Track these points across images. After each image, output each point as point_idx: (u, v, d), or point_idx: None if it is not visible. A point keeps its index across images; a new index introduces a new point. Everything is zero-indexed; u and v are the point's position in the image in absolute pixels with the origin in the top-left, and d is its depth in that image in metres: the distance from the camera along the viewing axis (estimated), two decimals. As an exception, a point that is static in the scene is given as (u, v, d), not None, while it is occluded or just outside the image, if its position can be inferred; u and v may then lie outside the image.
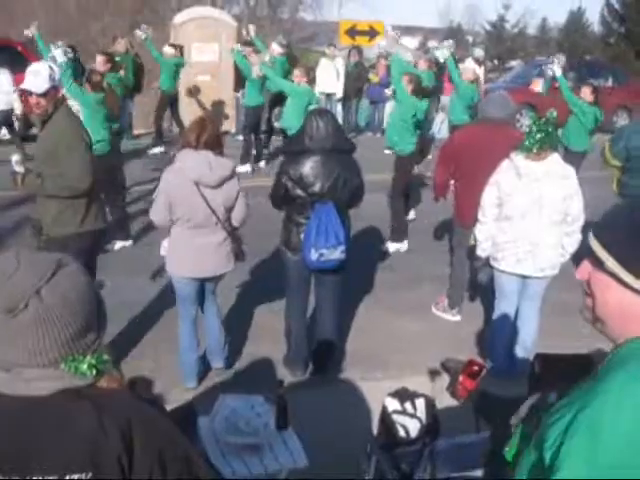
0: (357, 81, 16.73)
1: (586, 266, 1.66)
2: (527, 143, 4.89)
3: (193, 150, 4.76)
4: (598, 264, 1.61)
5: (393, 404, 3.91)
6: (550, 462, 1.49)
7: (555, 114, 4.94)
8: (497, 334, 5.42)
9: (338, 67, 16.21)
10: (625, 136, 6.20)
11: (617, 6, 36.09)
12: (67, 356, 1.60)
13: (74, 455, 1.56)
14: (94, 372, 1.62)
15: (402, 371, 5.45)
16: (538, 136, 4.83)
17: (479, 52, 17.62)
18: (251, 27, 13.78)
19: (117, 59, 12.94)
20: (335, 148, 5.02)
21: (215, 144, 4.82)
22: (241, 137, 14.80)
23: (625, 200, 1.45)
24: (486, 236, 5.28)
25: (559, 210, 4.97)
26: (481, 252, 5.37)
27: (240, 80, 14.78)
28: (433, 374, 4.49)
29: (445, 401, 3.49)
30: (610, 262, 1.58)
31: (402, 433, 3.75)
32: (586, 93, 8.93)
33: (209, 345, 5.35)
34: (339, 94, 16.26)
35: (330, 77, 16.13)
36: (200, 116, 5.11)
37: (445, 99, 16.55)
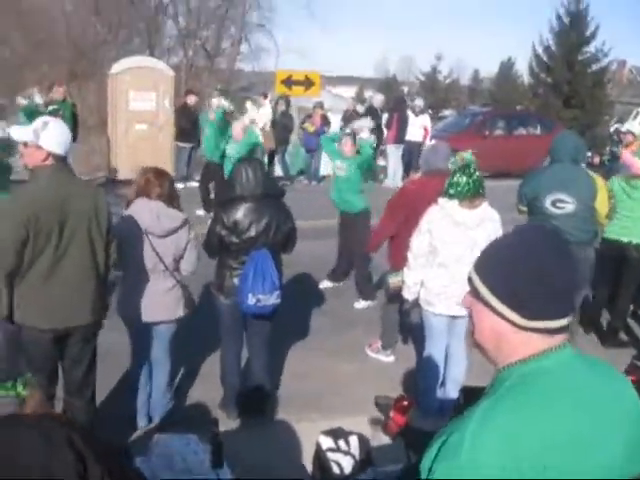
0: (283, 131, 16.95)
1: (468, 296, 1.81)
2: (455, 190, 5.05)
3: (147, 200, 4.92)
4: (476, 294, 1.76)
5: (327, 442, 3.99)
6: None
7: (470, 155, 5.15)
8: (429, 372, 5.56)
9: (263, 116, 16.34)
10: (524, 183, 6.48)
11: (544, 58, 37.40)
12: None
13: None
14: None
15: (338, 412, 5.51)
16: (466, 185, 5.00)
17: (419, 102, 18.16)
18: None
19: (55, 107, 13.00)
20: (266, 194, 5.18)
21: (170, 196, 4.99)
22: (181, 185, 14.96)
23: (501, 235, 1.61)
24: (415, 281, 5.43)
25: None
26: (410, 295, 5.52)
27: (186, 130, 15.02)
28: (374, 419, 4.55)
29: (383, 439, 3.57)
30: (483, 291, 1.74)
31: (336, 470, 3.83)
32: None
33: (153, 399, 5.33)
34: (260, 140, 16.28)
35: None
36: (160, 168, 5.19)
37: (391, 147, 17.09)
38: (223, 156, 11.61)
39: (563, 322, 1.71)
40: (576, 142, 6.45)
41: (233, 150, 10.62)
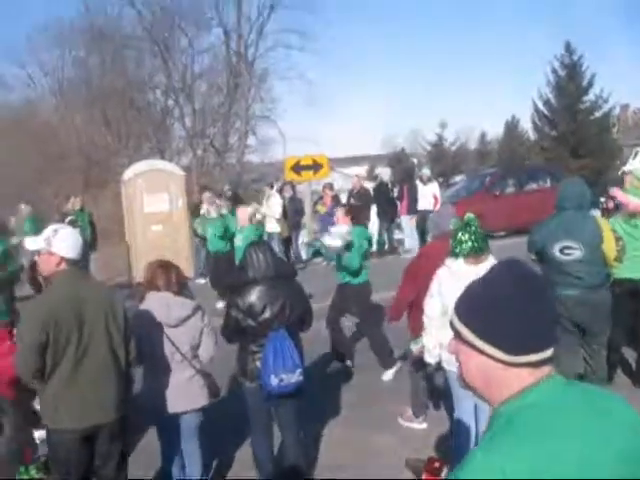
0: (295, 215, 17.20)
1: (452, 340, 1.86)
2: (460, 248, 5.14)
3: (156, 292, 5.08)
4: (459, 336, 1.81)
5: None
6: None
7: (473, 216, 5.24)
8: (460, 431, 5.52)
9: (273, 206, 16.60)
10: (532, 232, 6.57)
11: (546, 112, 37.88)
12: None
13: None
14: None
15: (377, 484, 5.49)
16: (468, 241, 5.09)
17: (426, 171, 18.42)
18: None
19: (72, 217, 13.36)
20: (278, 275, 5.28)
21: (179, 286, 5.15)
22: (202, 281, 15.10)
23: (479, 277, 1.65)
24: (434, 344, 5.47)
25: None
26: (432, 359, 5.56)
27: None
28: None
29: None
30: (465, 332, 1.78)
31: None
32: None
33: None
34: (277, 229, 16.45)
35: (268, 217, 16.57)
36: (164, 260, 5.37)
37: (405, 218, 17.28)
38: (232, 246, 11.79)
39: (547, 353, 1.74)
40: (580, 188, 6.51)
41: (240, 242, 10.70)
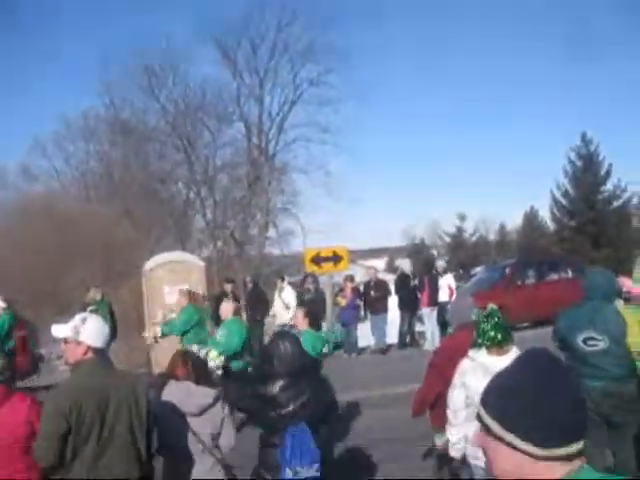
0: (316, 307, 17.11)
1: (479, 434, 1.81)
2: (483, 339, 5.09)
3: (175, 381, 5.09)
4: (487, 430, 1.76)
5: None
6: None
7: (495, 307, 5.21)
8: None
9: (286, 299, 16.77)
10: (558, 319, 6.48)
11: (564, 202, 38.03)
12: None
13: None
14: None
15: None
16: (492, 332, 5.05)
17: (441, 263, 18.52)
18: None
19: (93, 307, 13.42)
20: (302, 367, 5.21)
21: (198, 375, 5.12)
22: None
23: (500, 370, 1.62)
24: (459, 437, 5.37)
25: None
26: (456, 453, 5.44)
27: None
28: None
29: None
30: (494, 426, 1.74)
31: None
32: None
33: None
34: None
35: (281, 310, 16.80)
36: (181, 350, 5.48)
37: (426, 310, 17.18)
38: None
39: (579, 446, 1.70)
40: (607, 278, 6.43)
41: (220, 337, 9.88)
